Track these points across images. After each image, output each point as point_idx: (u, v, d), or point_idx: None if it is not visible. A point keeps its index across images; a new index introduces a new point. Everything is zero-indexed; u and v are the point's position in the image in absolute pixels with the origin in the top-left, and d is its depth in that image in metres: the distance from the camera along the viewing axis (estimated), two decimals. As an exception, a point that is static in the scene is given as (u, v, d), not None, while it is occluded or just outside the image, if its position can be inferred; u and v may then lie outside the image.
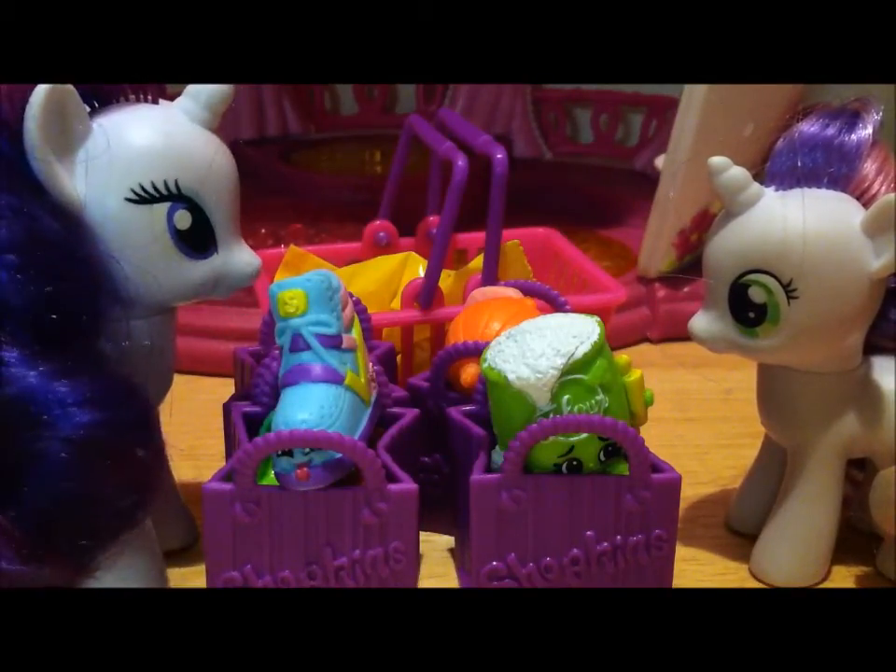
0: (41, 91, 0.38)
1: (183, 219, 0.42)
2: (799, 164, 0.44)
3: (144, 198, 0.41)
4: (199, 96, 0.43)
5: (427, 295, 0.55)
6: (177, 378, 0.47)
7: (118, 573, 0.41)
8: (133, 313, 0.42)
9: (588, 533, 0.43)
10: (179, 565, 0.49)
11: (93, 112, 0.41)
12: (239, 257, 0.44)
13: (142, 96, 0.42)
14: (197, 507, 0.45)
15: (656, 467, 0.43)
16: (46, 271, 0.37)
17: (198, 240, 0.43)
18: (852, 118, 0.44)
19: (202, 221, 0.42)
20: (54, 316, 0.37)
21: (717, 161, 0.43)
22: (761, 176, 0.45)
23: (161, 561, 0.44)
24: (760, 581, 0.49)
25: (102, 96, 0.42)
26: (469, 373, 0.48)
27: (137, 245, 0.41)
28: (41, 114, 0.38)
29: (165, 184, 0.41)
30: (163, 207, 0.41)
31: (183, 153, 0.42)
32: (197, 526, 0.51)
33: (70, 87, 0.39)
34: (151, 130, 0.41)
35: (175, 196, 0.41)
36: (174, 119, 0.42)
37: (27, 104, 0.38)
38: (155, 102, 0.43)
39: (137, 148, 0.41)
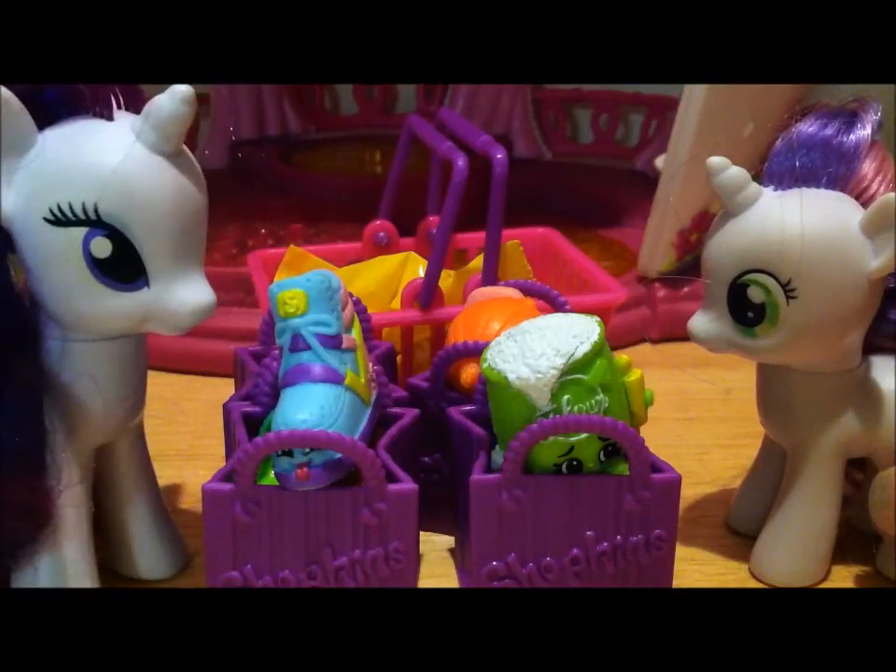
0: None
1: (101, 247, 0.38)
2: (798, 164, 0.44)
3: (59, 220, 0.38)
4: (150, 117, 0.39)
5: (426, 295, 0.55)
6: (177, 378, 0.47)
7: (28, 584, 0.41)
8: (72, 335, 0.41)
9: (588, 533, 0.43)
10: (166, 577, 0.48)
11: (54, 122, 0.39)
12: (178, 293, 0.40)
13: (98, 111, 0.39)
14: (197, 507, 0.45)
15: (656, 467, 0.43)
16: None
17: (120, 271, 0.39)
18: (851, 118, 0.44)
19: (125, 251, 0.39)
20: None
21: (716, 161, 0.43)
22: (759, 176, 0.45)
23: (81, 578, 0.43)
24: (760, 581, 0.49)
25: (63, 107, 0.39)
26: (468, 373, 0.48)
27: (55, 268, 0.39)
28: None
29: (84, 207, 0.38)
30: (79, 232, 0.38)
31: (108, 176, 0.38)
32: (186, 554, 0.49)
33: (6, 92, 0.37)
34: (80, 148, 0.38)
35: (93, 221, 0.38)
36: (117, 138, 0.39)
37: None
38: (110, 117, 0.40)
39: (60, 166, 0.38)
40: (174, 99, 0.38)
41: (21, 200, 0.39)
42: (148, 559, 0.47)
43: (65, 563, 0.42)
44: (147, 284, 0.40)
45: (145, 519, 0.47)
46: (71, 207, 0.38)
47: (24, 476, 0.38)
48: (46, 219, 0.38)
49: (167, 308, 0.40)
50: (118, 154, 0.38)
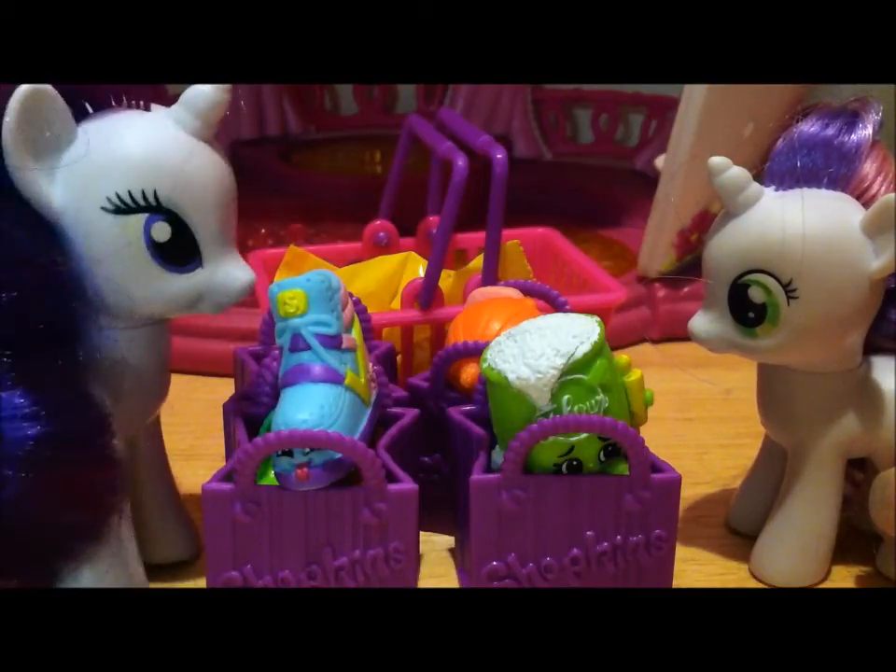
0: (19, 91, 0.37)
1: (161, 231, 0.40)
2: (799, 164, 0.44)
3: (119, 208, 0.39)
4: (190, 104, 0.41)
5: (426, 295, 0.55)
6: (177, 378, 0.47)
7: (82, 585, 0.41)
8: (115, 323, 0.41)
9: (588, 533, 0.43)
10: (179, 565, 0.49)
11: (84, 117, 0.40)
12: (228, 272, 0.42)
13: (134, 102, 0.41)
14: (197, 507, 0.45)
15: (656, 467, 0.43)
16: (2, 277, 0.37)
17: (178, 253, 0.41)
18: (852, 118, 0.44)
19: (182, 234, 0.41)
20: (10, 325, 0.37)
21: (717, 161, 0.43)
22: (760, 176, 0.45)
23: (135, 575, 0.44)
24: (760, 580, 0.49)
25: (95, 101, 0.41)
26: (468, 373, 0.48)
27: (113, 256, 0.40)
28: (17, 115, 0.37)
29: (143, 194, 0.39)
30: (140, 218, 0.40)
31: (164, 163, 0.40)
32: (199, 538, 0.50)
33: (49, 88, 0.38)
34: (132, 137, 0.40)
35: (153, 207, 0.40)
36: (161, 127, 0.41)
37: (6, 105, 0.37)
38: (147, 108, 0.41)
39: (115, 156, 0.39)
40: (213, 87, 0.40)
41: (73, 192, 0.39)
42: (172, 542, 0.48)
43: (127, 553, 0.43)
44: (201, 264, 0.42)
45: (164, 505, 0.48)
46: (131, 195, 0.39)
47: (93, 460, 0.39)
48: (104, 209, 0.39)
49: (220, 286, 0.42)
50: (169, 141, 0.40)
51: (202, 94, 0.40)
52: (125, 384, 0.42)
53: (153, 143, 0.40)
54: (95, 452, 0.39)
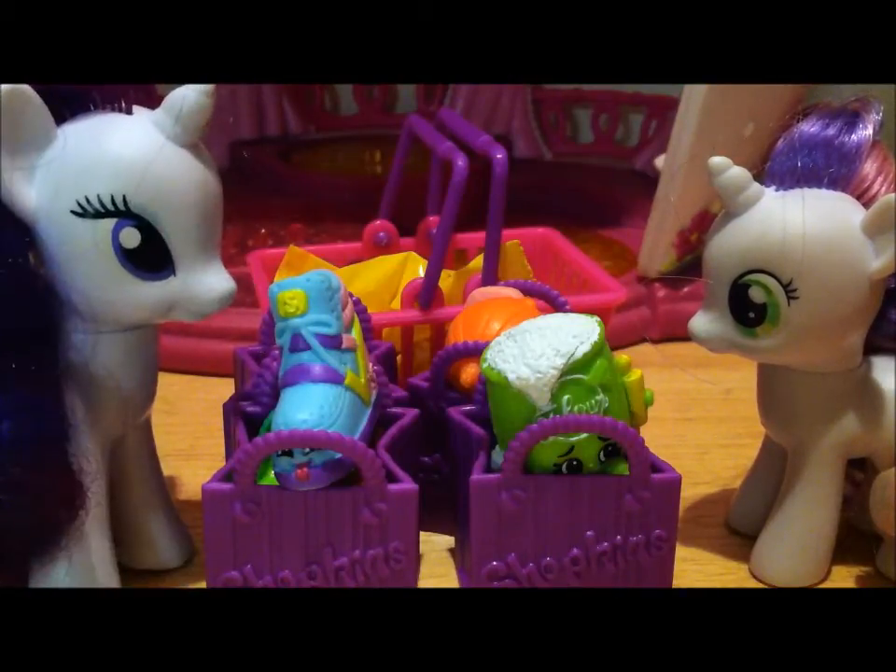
0: None
1: (130, 237, 0.39)
2: (799, 164, 0.44)
3: (87, 211, 0.39)
4: (171, 109, 0.40)
5: (426, 295, 0.55)
6: (177, 378, 0.47)
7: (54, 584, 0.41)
8: (93, 327, 0.41)
9: (588, 533, 0.43)
10: (179, 565, 0.49)
11: (67, 119, 0.40)
12: (203, 280, 0.41)
13: (119, 105, 0.40)
14: (197, 507, 0.45)
15: (656, 467, 0.43)
16: None
17: (148, 260, 0.40)
18: (852, 118, 0.44)
19: (153, 241, 0.40)
20: None
21: (717, 161, 0.43)
22: (761, 176, 0.45)
23: (104, 580, 0.43)
24: (760, 581, 0.49)
25: (79, 102, 0.40)
26: (468, 373, 0.48)
27: (83, 259, 0.39)
28: None
29: (112, 198, 0.39)
30: (108, 223, 0.39)
31: (135, 168, 0.39)
32: (192, 545, 0.49)
33: (27, 88, 0.38)
34: (106, 141, 0.39)
35: (122, 212, 0.39)
36: (138, 131, 0.40)
37: None
38: (129, 112, 0.41)
39: (86, 158, 0.39)
40: (196, 91, 0.39)
41: (47, 194, 0.39)
42: (159, 549, 0.48)
43: (92, 559, 0.43)
44: (173, 272, 0.41)
45: (155, 510, 0.47)
46: (100, 199, 0.39)
47: (51, 465, 0.38)
48: (73, 212, 0.39)
49: (193, 295, 0.41)
50: (143, 146, 0.39)
51: (182, 99, 0.40)
52: (104, 387, 0.42)
53: (125, 146, 0.39)
54: (55, 456, 0.38)
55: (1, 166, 0.38)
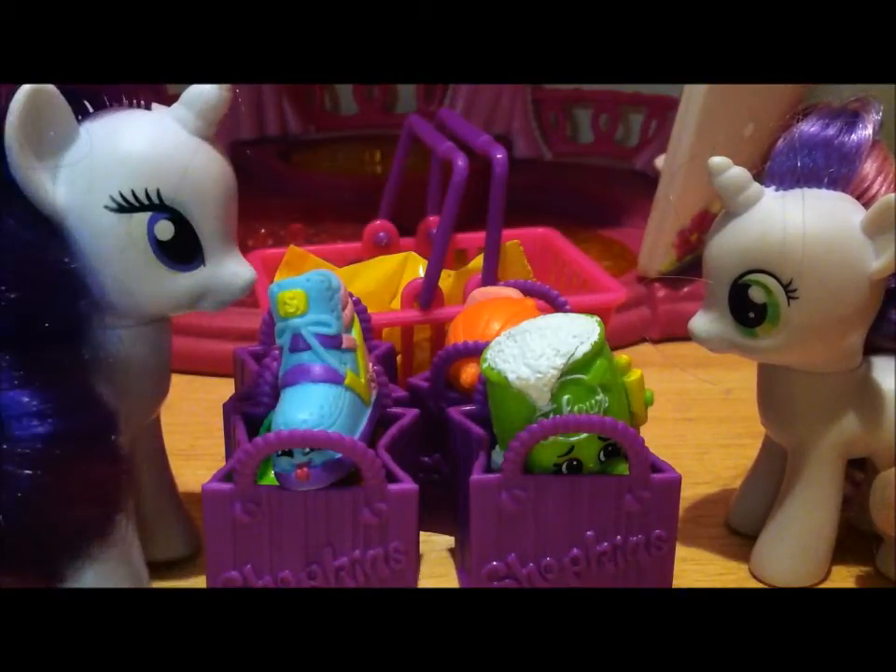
0: (22, 91, 0.37)
1: (164, 230, 0.40)
2: (799, 164, 0.44)
3: (122, 206, 0.40)
4: (191, 103, 0.41)
5: (426, 295, 0.55)
6: (177, 378, 0.47)
7: (88, 583, 0.41)
8: (120, 322, 0.41)
9: (588, 533, 0.43)
10: (179, 565, 0.49)
11: (85, 117, 0.40)
12: (229, 269, 0.42)
13: (135, 102, 0.41)
14: (197, 507, 0.45)
15: (656, 467, 0.43)
16: (8, 277, 0.37)
17: (181, 251, 0.41)
18: (852, 118, 0.44)
19: (185, 232, 0.41)
20: (16, 324, 0.37)
21: (717, 161, 0.43)
22: (761, 176, 0.45)
23: (139, 572, 0.44)
24: (760, 581, 0.49)
25: (96, 101, 0.41)
26: (468, 373, 0.48)
27: (117, 254, 0.40)
28: (20, 115, 0.38)
29: (146, 193, 0.40)
30: (143, 217, 0.40)
31: (167, 161, 0.40)
32: (198, 536, 0.50)
33: (52, 87, 0.38)
34: (134, 136, 0.40)
35: (156, 206, 0.40)
36: (163, 126, 0.41)
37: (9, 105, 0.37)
38: (148, 108, 0.42)
39: (117, 155, 0.40)
40: (215, 86, 0.41)
41: (77, 191, 0.40)
42: (169, 540, 0.48)
43: (131, 552, 0.43)
44: (203, 262, 0.42)
45: (164, 504, 0.48)
46: (134, 194, 0.40)
47: (101, 459, 0.39)
48: (107, 207, 0.40)
49: (223, 283, 0.42)
50: (171, 140, 0.40)
51: (203, 93, 0.41)
52: (129, 382, 0.42)
53: (155, 141, 0.40)
54: (103, 449, 0.39)
55: (27, 165, 0.39)
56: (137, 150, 0.40)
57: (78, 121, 0.40)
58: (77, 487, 0.38)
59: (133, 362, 0.43)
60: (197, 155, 0.41)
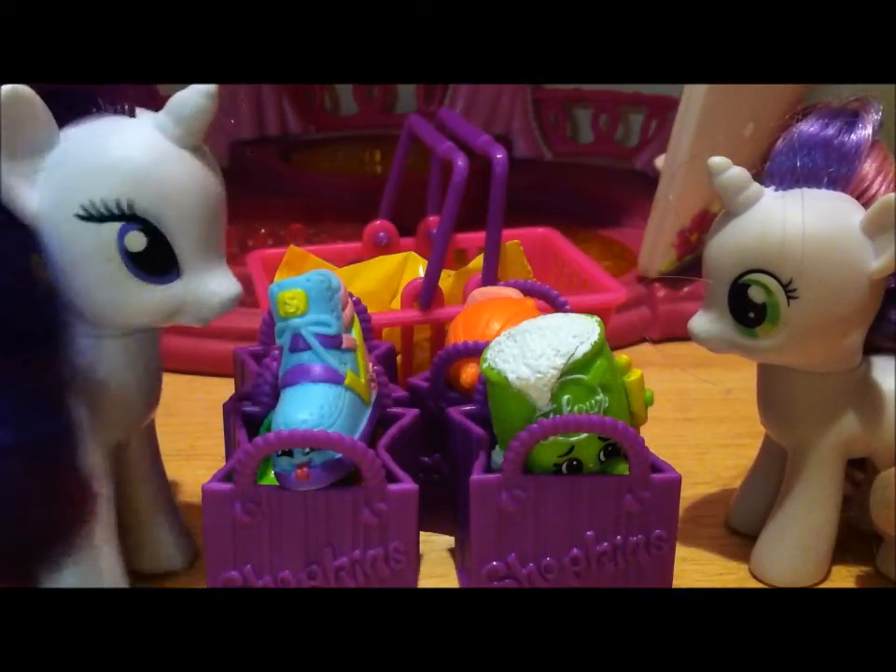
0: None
1: (135, 241, 0.39)
2: (798, 164, 0.44)
3: (92, 215, 0.38)
4: (172, 112, 0.39)
5: (426, 295, 0.55)
6: (177, 378, 0.47)
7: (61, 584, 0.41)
8: (97, 331, 0.41)
9: (588, 533, 0.43)
10: (183, 567, 0.49)
11: (71, 121, 0.39)
12: (208, 284, 0.41)
13: (122, 107, 0.40)
14: (197, 507, 0.45)
15: (656, 467, 0.43)
16: None
17: (154, 264, 0.40)
18: (852, 118, 0.44)
19: (159, 244, 0.39)
20: None
21: (717, 161, 0.43)
22: (760, 176, 0.45)
23: (116, 581, 0.43)
24: (760, 580, 0.49)
25: (81, 103, 0.40)
26: (468, 373, 0.48)
27: (87, 263, 0.39)
28: None
29: (116, 203, 0.38)
30: (114, 227, 0.39)
31: (140, 171, 0.39)
32: (194, 548, 0.50)
33: (27, 89, 0.37)
34: (109, 144, 0.39)
35: (127, 216, 0.39)
36: (141, 134, 0.39)
37: None
38: (133, 113, 0.40)
39: (89, 163, 0.39)
40: (197, 94, 0.39)
41: (50, 198, 0.39)
42: (163, 552, 0.48)
43: (100, 564, 0.43)
44: (178, 276, 0.40)
45: (159, 514, 0.48)
46: (105, 203, 0.38)
47: (57, 470, 0.38)
48: (78, 216, 0.39)
49: (198, 299, 0.41)
50: (147, 149, 0.39)
51: (184, 101, 0.39)
52: (107, 392, 0.41)
53: (129, 151, 0.39)
54: (61, 461, 0.38)
55: (1, 169, 0.38)
56: (110, 159, 0.39)
57: (63, 125, 0.39)
58: (35, 498, 0.37)
59: (114, 372, 0.42)
60: (174, 164, 0.39)
